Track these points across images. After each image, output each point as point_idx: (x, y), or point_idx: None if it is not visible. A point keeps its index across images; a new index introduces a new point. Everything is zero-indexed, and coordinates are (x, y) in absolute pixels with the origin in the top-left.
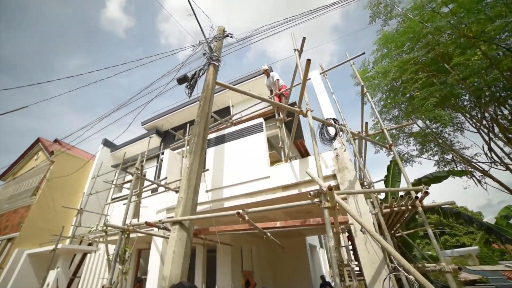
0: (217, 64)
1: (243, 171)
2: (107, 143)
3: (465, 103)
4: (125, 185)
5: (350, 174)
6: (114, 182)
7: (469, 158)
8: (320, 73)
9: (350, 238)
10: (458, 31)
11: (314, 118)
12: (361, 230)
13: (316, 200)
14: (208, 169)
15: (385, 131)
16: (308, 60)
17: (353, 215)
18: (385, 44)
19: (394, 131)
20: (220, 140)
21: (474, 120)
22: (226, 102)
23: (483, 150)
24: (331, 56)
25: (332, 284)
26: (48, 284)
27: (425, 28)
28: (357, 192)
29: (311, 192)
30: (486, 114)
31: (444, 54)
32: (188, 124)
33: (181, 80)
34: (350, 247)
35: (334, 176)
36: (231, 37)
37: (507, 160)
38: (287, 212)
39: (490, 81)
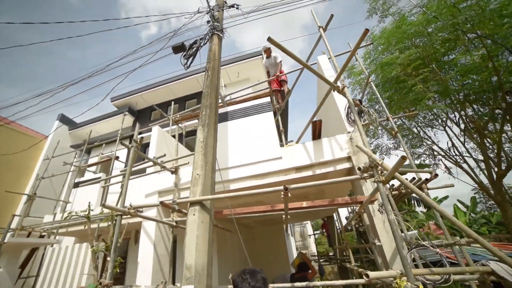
0: (221, 35)
1: (252, 151)
2: (64, 120)
3: (438, 101)
4: (89, 168)
5: (365, 157)
6: (77, 164)
7: (445, 151)
8: (329, 58)
9: (325, 226)
10: (473, 28)
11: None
12: (378, 210)
13: (365, 174)
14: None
15: (391, 119)
16: (366, 30)
17: (412, 189)
18: (386, 39)
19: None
20: (222, 117)
21: (446, 118)
22: None
23: (447, 146)
24: (300, 53)
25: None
26: None
27: (431, 23)
28: (408, 170)
29: (361, 167)
30: (455, 113)
31: (430, 53)
32: (172, 102)
33: (177, 49)
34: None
35: (349, 159)
36: (237, 8)
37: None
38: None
39: (483, 79)
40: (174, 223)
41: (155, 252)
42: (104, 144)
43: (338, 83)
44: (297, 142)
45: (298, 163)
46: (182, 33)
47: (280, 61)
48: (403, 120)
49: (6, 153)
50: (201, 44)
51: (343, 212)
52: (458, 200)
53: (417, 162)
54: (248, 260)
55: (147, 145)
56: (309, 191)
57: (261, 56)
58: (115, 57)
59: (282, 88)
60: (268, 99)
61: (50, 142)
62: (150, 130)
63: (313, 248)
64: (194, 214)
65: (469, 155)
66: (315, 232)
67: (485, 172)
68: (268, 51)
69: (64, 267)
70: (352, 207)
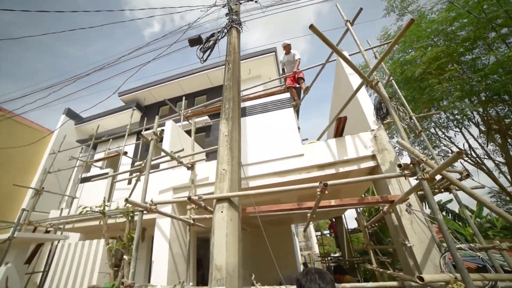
0: (239, 28)
1: (272, 148)
2: (70, 114)
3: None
4: (96, 164)
5: (390, 155)
6: (83, 159)
7: (466, 153)
8: (350, 55)
9: (332, 226)
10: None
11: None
12: (406, 210)
13: (406, 172)
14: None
15: (414, 118)
16: (412, 20)
17: (463, 188)
18: (405, 38)
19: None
20: (241, 112)
21: (462, 118)
22: (219, 80)
23: (463, 147)
24: (301, 54)
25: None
26: None
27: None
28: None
29: (402, 164)
30: (474, 114)
31: (451, 52)
32: (183, 97)
33: (193, 41)
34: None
35: (373, 157)
36: (256, 1)
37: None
38: (300, 196)
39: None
40: (191, 221)
41: (170, 251)
42: (111, 139)
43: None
44: (318, 139)
45: (320, 161)
46: (195, 27)
47: (299, 59)
48: (419, 120)
49: (11, 146)
50: (219, 37)
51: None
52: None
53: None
54: (273, 258)
55: (160, 139)
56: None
57: (273, 53)
58: (124, 51)
59: (299, 85)
60: (287, 95)
61: (56, 137)
62: (159, 126)
63: (316, 249)
64: (222, 212)
65: (487, 157)
66: (322, 233)
67: (507, 175)
68: (287, 47)
69: (74, 264)
70: (362, 208)
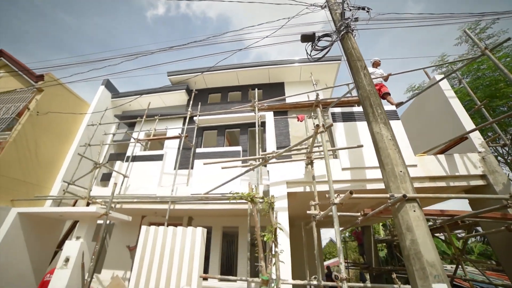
0: (353, 34)
1: None
2: (109, 86)
3: None
4: (138, 143)
5: (502, 178)
6: (120, 137)
7: None
8: (444, 76)
9: (357, 234)
10: None
11: None
12: None
13: None
14: (363, 145)
15: None
16: None
17: None
18: None
19: None
20: (348, 117)
21: None
22: (278, 77)
23: None
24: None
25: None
26: (67, 259)
27: None
28: None
29: None
30: None
31: None
32: (250, 88)
33: (306, 38)
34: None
35: (482, 177)
36: (367, 11)
37: None
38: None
39: None
40: (319, 217)
41: (290, 246)
42: (157, 120)
43: None
44: (425, 153)
45: (432, 173)
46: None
47: (389, 73)
48: None
49: (52, 111)
50: (336, 39)
51: None
52: None
53: None
54: None
55: (248, 125)
56: (383, 201)
57: (339, 62)
58: (103, 37)
59: (385, 99)
60: (394, 107)
61: (95, 109)
62: (210, 114)
63: None
64: (414, 211)
65: None
66: (347, 240)
67: None
68: (378, 63)
69: (167, 250)
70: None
